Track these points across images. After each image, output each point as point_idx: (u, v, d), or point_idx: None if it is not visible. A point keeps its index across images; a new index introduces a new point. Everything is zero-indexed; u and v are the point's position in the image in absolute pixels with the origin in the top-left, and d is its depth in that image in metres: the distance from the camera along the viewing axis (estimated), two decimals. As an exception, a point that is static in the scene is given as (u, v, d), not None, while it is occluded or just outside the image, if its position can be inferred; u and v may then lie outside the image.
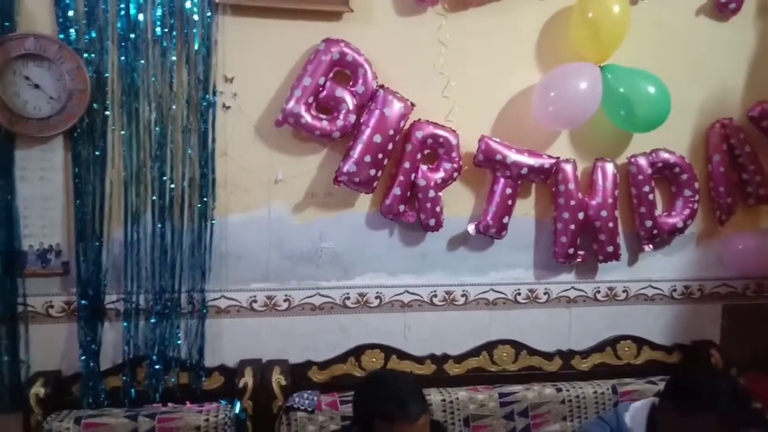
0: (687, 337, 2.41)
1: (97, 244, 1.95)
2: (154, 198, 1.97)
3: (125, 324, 2.00)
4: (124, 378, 2.00)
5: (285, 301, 2.15)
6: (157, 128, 1.94)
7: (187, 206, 2.00)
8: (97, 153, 1.91)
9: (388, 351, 2.19)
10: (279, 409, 2.01)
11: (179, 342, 2.05)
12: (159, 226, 1.98)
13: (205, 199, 2.00)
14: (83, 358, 1.97)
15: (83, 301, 1.96)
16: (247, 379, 2.02)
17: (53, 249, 1.96)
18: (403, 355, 2.19)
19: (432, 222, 2.12)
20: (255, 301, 2.13)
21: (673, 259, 2.39)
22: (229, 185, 2.04)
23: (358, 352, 2.17)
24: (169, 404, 2.00)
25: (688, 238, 2.38)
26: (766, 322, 2.45)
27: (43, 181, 1.92)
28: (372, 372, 1.57)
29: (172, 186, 1.98)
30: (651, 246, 2.30)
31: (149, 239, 1.99)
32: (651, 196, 2.24)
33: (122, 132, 1.93)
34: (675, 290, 2.41)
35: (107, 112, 1.91)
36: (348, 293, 2.19)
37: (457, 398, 2.11)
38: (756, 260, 2.34)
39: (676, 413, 1.59)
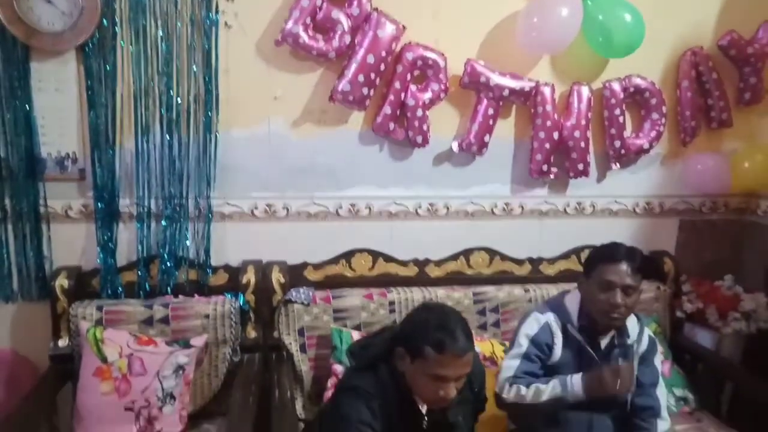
0: (646, 247, 2.65)
1: (111, 152, 2.12)
2: (162, 111, 2.12)
3: (138, 225, 2.21)
4: (139, 273, 2.23)
5: (283, 209, 2.36)
6: (163, 45, 2.06)
7: (192, 120, 2.16)
8: (107, 67, 2.05)
9: (375, 255, 2.44)
10: (278, 302, 2.27)
11: (188, 243, 2.26)
12: (167, 137, 2.15)
13: (209, 113, 2.15)
14: (101, 255, 2.19)
15: (99, 204, 2.15)
16: (250, 276, 2.27)
17: (70, 156, 2.14)
18: (389, 259, 2.45)
19: (419, 139, 2.30)
20: (256, 209, 2.33)
21: (638, 177, 2.61)
22: (231, 101, 2.19)
23: (348, 255, 2.42)
24: (180, 296, 2.24)
25: (653, 158, 2.59)
26: (716, 236, 2.73)
27: (58, 92, 2.06)
28: (428, 302, 1.63)
29: (179, 101, 2.12)
30: (618, 164, 2.52)
31: (158, 149, 2.16)
32: (621, 119, 2.43)
33: (131, 48, 2.05)
34: (638, 205, 2.65)
35: (116, 29, 2.03)
36: (341, 203, 2.40)
37: (436, 296, 2.36)
38: (713, 179, 2.56)
39: (586, 279, 1.80)
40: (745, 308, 2.46)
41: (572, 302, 1.85)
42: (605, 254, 1.78)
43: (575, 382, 1.71)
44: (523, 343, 1.81)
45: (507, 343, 2.34)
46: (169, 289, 2.25)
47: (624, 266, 1.72)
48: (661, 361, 1.96)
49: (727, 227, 2.74)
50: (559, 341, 1.81)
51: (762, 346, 2.49)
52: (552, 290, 2.49)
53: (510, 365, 1.81)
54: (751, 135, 2.62)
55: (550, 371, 1.80)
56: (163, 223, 2.22)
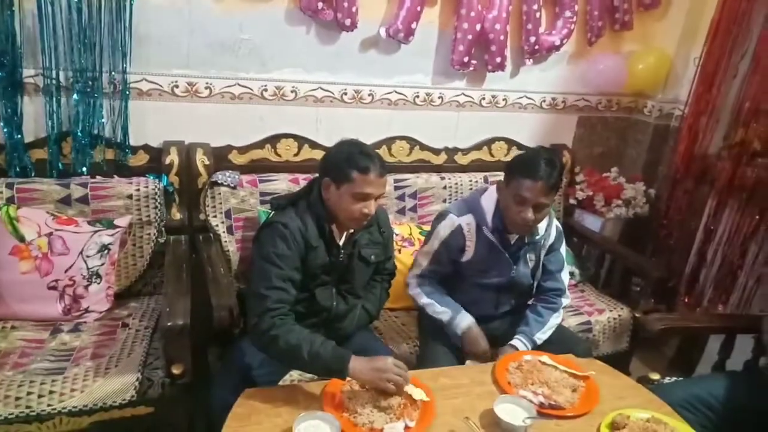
0: (548, 140, 2.92)
1: (9, 13, 1.90)
2: (68, -32, 1.91)
3: (46, 99, 2.04)
4: (50, 150, 2.08)
5: (206, 88, 2.27)
6: None
7: (104, -19, 1.97)
8: None
9: (301, 140, 2.45)
10: (204, 184, 2.24)
11: (103, 120, 2.13)
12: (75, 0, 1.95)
13: (123, -25, 1.97)
14: (6, 129, 2.01)
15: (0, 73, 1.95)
16: (173, 158, 2.21)
17: (-40, 16, 1.88)
18: (314, 145, 2.47)
19: (347, 22, 2.28)
20: (177, 86, 2.23)
21: (547, 74, 2.79)
22: (149, -36, 2.02)
23: (274, 140, 2.41)
24: (98, 177, 2.14)
25: (562, 56, 2.77)
26: (607, 132, 3.04)
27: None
28: (345, 139, 1.73)
29: (88, -43, 1.92)
30: (531, 60, 2.67)
31: (65, 13, 1.96)
32: (538, 14, 2.55)
33: None
34: (544, 101, 2.86)
35: None
36: (266, 85, 2.35)
37: (360, 182, 2.47)
38: (611, 79, 2.80)
39: (504, 185, 1.83)
40: (626, 196, 2.82)
41: (488, 202, 1.90)
42: (526, 169, 1.76)
43: (459, 326, 1.90)
44: (435, 244, 1.94)
45: (423, 227, 2.53)
46: (84, 168, 2.13)
47: (540, 184, 1.73)
48: (565, 248, 2.12)
49: (617, 124, 3.05)
50: (472, 243, 1.91)
51: (636, 227, 2.89)
52: (465, 179, 2.68)
53: (420, 262, 1.98)
54: (646, 38, 2.87)
55: (462, 267, 1.96)
56: (75, 97, 2.06)
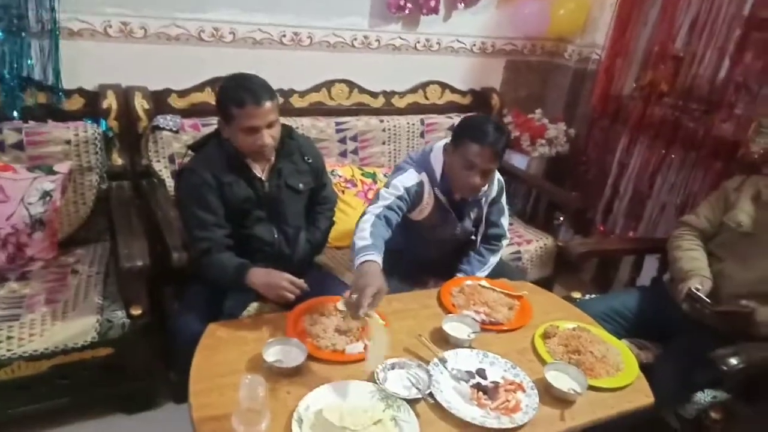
0: (478, 83, 3.05)
1: None
2: None
3: (-33, 37, 1.93)
4: (-24, 94, 1.99)
5: (141, 28, 2.21)
6: None
7: None
8: None
9: (241, 83, 2.44)
10: (144, 129, 2.21)
11: (31, 62, 2.04)
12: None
13: None
14: (-75, 71, 1.89)
15: None
16: (110, 101, 2.16)
17: None
18: (254, 88, 2.47)
19: (285, -39, 2.26)
20: (110, 26, 2.15)
21: (477, 18, 2.90)
22: None
23: (213, 83, 2.38)
24: (30, 122, 2.06)
25: (491, 0, 2.88)
26: (531, 75, 3.22)
27: None
28: (231, 74, 1.75)
29: None
30: (463, 4, 2.76)
31: (-18, -56, 1.84)
32: (470, -41, 2.64)
33: None
34: (475, 45, 2.97)
35: None
36: (203, 27, 2.31)
37: (302, 125, 2.51)
38: (535, 23, 2.96)
39: (452, 149, 1.84)
40: (549, 136, 3.03)
41: (436, 161, 1.90)
42: (475, 134, 1.77)
43: (365, 257, 1.60)
44: (400, 188, 1.84)
45: (365, 168, 2.63)
46: (15, 113, 2.05)
47: (488, 151, 1.75)
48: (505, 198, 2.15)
49: (540, 67, 3.23)
50: (430, 200, 1.91)
51: (558, 164, 3.13)
52: (402, 122, 2.79)
53: (387, 196, 1.82)
54: (568, -16, 3.03)
55: (411, 224, 1.96)
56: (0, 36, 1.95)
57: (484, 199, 2.01)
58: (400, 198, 1.84)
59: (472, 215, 2.05)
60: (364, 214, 1.80)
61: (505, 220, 2.16)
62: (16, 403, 1.77)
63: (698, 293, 1.79)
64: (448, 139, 1.89)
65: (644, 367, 1.59)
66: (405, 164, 1.94)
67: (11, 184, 1.90)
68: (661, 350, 1.93)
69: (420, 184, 1.88)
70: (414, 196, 1.88)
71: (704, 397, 1.77)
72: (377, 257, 1.59)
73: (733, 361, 1.64)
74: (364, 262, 1.57)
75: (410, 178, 1.88)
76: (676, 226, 2.13)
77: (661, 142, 2.73)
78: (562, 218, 2.85)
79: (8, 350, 1.63)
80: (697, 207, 2.14)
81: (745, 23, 2.38)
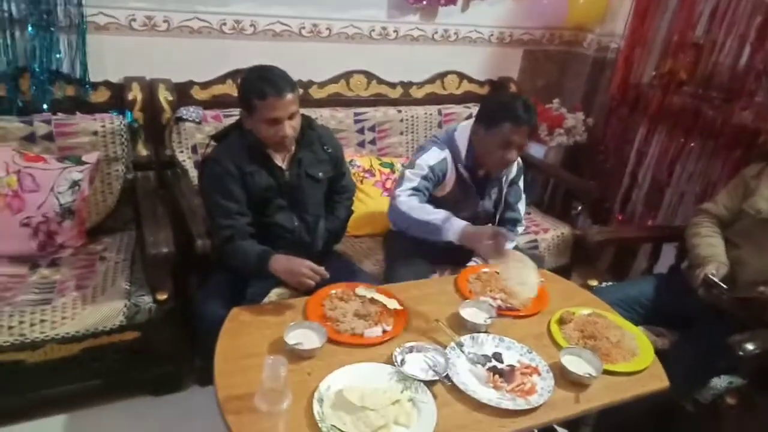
0: (495, 73, 3.06)
1: (-46, -58, 1.83)
2: None
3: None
4: (8, 87, 2.05)
5: (164, 22, 2.26)
6: None
7: None
8: None
9: (261, 75, 2.48)
10: (168, 120, 2.27)
11: (60, 55, 2.10)
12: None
13: None
14: (-41, 65, 1.96)
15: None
16: (136, 94, 2.22)
17: None
18: (274, 79, 2.51)
19: (304, -47, 2.29)
20: (134, 20, 2.21)
21: (495, 8, 2.90)
22: None
23: (235, 75, 2.43)
24: (59, 114, 2.12)
25: (510, -10, 2.89)
26: (549, 65, 3.21)
27: None
28: (253, 66, 1.79)
29: None
30: (482, -6, 2.78)
31: (15, -57, 1.90)
32: (488, -51, 2.64)
33: None
34: (492, 35, 2.97)
35: None
36: (224, 19, 2.36)
37: (321, 116, 2.55)
38: (553, 12, 2.96)
39: (484, 131, 1.90)
40: (567, 125, 3.03)
41: (462, 140, 1.98)
42: (511, 115, 1.83)
43: (456, 224, 1.83)
44: (425, 167, 1.94)
45: (383, 159, 2.66)
46: (45, 106, 2.11)
47: (525, 128, 1.85)
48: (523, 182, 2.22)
49: (559, 57, 3.22)
50: (452, 176, 1.99)
51: (576, 153, 3.13)
52: (420, 112, 2.81)
53: (412, 177, 1.93)
54: (587, -27, 3.01)
55: (438, 202, 1.97)
56: (30, 31, 2.02)
57: (504, 177, 2.08)
58: (425, 178, 1.94)
59: (493, 195, 2.11)
60: (394, 198, 1.91)
61: (522, 206, 2.20)
62: (50, 384, 1.84)
63: (714, 278, 1.80)
64: (472, 120, 1.98)
65: (660, 354, 1.60)
66: (429, 143, 2.03)
67: (42, 174, 1.97)
68: (678, 337, 1.94)
69: (443, 161, 1.97)
70: (439, 174, 1.96)
71: (720, 382, 1.78)
72: (459, 220, 1.84)
73: (750, 346, 1.65)
74: (460, 228, 1.81)
75: (434, 156, 1.97)
76: (694, 214, 2.13)
77: (680, 130, 2.72)
78: (579, 208, 2.85)
79: (41, 332, 1.70)
80: (716, 195, 2.13)
81: (767, 10, 2.35)
